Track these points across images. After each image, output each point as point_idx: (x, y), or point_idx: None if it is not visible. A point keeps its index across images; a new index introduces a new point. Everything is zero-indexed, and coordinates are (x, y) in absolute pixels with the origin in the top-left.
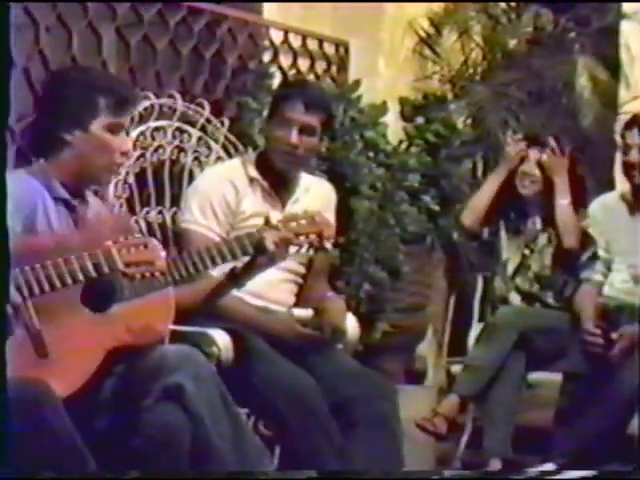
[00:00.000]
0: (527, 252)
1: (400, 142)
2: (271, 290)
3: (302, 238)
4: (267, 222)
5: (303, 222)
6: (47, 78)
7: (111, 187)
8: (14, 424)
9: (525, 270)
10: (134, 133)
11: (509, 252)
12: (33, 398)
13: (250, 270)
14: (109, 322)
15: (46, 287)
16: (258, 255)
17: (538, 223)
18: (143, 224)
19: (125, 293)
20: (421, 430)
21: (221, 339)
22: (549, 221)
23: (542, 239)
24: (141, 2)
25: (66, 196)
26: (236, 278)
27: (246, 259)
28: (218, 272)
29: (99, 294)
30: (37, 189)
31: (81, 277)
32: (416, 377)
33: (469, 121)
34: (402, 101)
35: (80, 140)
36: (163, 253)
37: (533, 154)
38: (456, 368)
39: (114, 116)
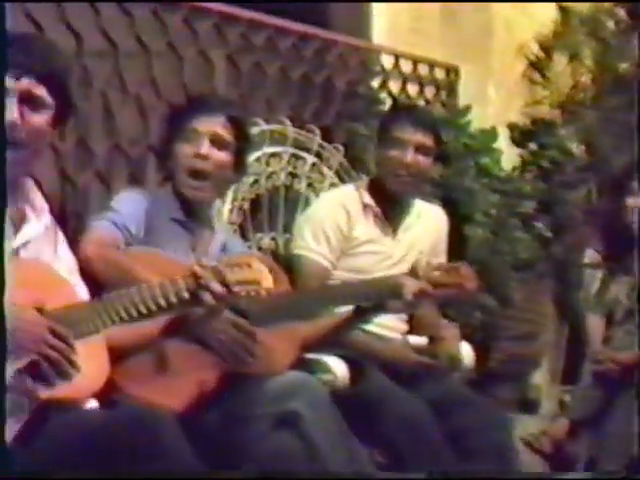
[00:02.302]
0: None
1: (513, 168)
2: (385, 317)
3: (439, 290)
4: (413, 270)
5: (446, 273)
6: None
7: (226, 212)
8: (129, 444)
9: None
10: (250, 159)
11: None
12: (152, 420)
13: (381, 312)
14: None
15: (153, 307)
16: (393, 299)
17: None
18: (256, 250)
19: (258, 319)
20: (526, 447)
21: (337, 366)
22: None
23: None
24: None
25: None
26: (363, 316)
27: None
28: None
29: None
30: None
31: (186, 296)
32: (529, 406)
33: (582, 146)
34: (511, 127)
35: None
36: (266, 270)
37: None
38: (569, 397)
39: None
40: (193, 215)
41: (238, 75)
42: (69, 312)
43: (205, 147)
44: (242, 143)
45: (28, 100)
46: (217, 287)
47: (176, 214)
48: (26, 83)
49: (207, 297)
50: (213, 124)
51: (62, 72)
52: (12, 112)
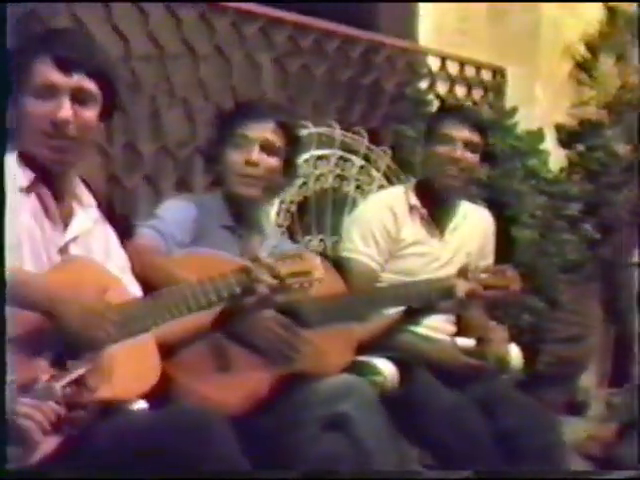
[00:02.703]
0: None
1: (561, 170)
2: (432, 318)
3: (488, 291)
4: (462, 272)
5: (494, 275)
6: None
7: (273, 215)
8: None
9: None
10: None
11: None
12: (203, 420)
13: (431, 313)
14: None
15: (204, 302)
16: (443, 300)
17: None
18: None
19: (311, 320)
20: (574, 449)
21: (386, 368)
22: None
23: None
24: (298, 30)
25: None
26: (414, 318)
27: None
28: None
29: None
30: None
31: (238, 290)
32: (577, 409)
33: (629, 147)
34: (558, 128)
35: None
36: (319, 261)
37: None
38: (617, 399)
39: None
40: (242, 221)
41: (285, 78)
42: (121, 310)
43: (255, 153)
44: (292, 148)
45: (79, 95)
46: (269, 279)
47: (225, 221)
48: (76, 79)
49: (260, 288)
50: (263, 130)
51: (108, 65)
52: (65, 109)
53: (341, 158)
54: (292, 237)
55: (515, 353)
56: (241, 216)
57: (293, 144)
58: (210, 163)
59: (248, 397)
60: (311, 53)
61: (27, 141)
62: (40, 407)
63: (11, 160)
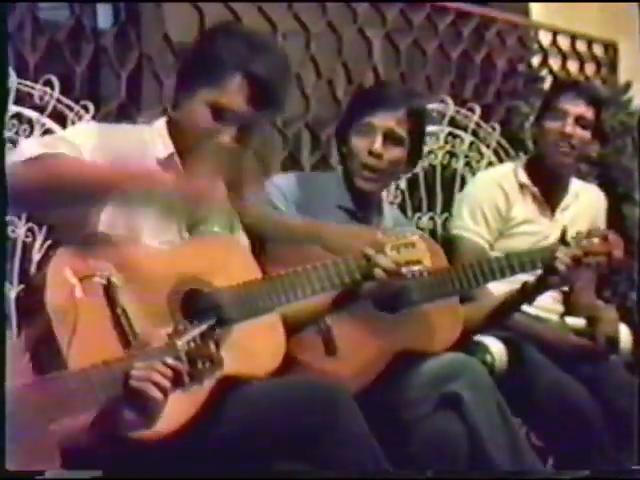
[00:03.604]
0: None
1: None
2: (543, 299)
3: (591, 257)
4: (562, 238)
5: (595, 240)
6: None
7: (384, 192)
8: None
9: None
10: None
11: None
12: (330, 397)
13: (541, 288)
14: (398, 325)
15: (327, 285)
16: (549, 274)
17: None
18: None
19: (414, 297)
20: None
21: (495, 347)
22: None
23: None
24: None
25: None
26: (526, 294)
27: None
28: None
29: (389, 296)
30: None
31: (359, 276)
32: None
33: None
34: None
35: None
36: (428, 253)
37: None
38: None
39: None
40: (361, 204)
41: (396, 54)
42: (246, 289)
43: (378, 144)
44: (417, 137)
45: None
46: (389, 264)
47: (343, 202)
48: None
49: (379, 273)
50: (390, 119)
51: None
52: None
53: (450, 134)
54: (403, 214)
55: (625, 333)
56: (360, 200)
57: (419, 133)
58: (338, 143)
59: (360, 377)
60: (422, 29)
61: None
62: (155, 367)
63: (154, 129)
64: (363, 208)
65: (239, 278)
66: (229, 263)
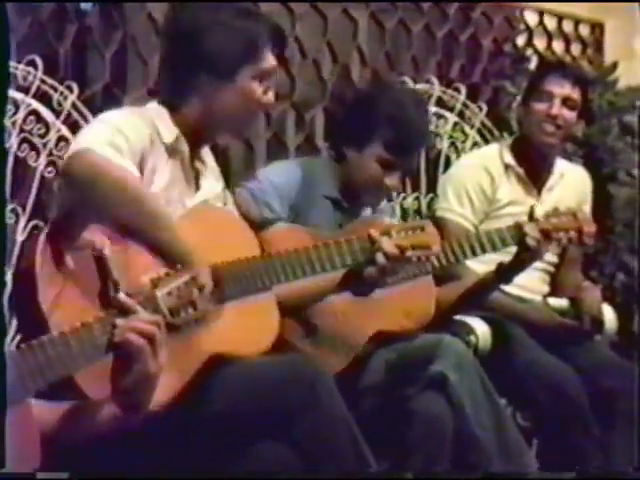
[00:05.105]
0: None
1: None
2: (525, 279)
3: (561, 233)
4: (530, 216)
5: (564, 218)
6: None
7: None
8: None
9: None
10: None
11: None
12: (311, 377)
13: (515, 266)
14: (373, 307)
15: (328, 266)
16: (521, 251)
17: None
18: (399, 210)
19: (387, 280)
20: None
21: (480, 328)
22: None
23: None
24: None
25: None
26: (502, 274)
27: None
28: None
29: (362, 278)
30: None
31: (361, 258)
32: None
33: None
34: None
35: None
36: (438, 235)
37: None
38: None
39: None
40: (347, 194)
41: (382, 34)
42: (243, 266)
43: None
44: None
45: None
46: (391, 249)
47: (329, 191)
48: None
49: (380, 258)
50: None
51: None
52: None
53: (435, 114)
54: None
55: (609, 314)
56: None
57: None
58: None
59: (340, 359)
60: (407, 9)
61: None
62: (136, 317)
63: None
64: (349, 197)
65: (238, 254)
66: (228, 238)
